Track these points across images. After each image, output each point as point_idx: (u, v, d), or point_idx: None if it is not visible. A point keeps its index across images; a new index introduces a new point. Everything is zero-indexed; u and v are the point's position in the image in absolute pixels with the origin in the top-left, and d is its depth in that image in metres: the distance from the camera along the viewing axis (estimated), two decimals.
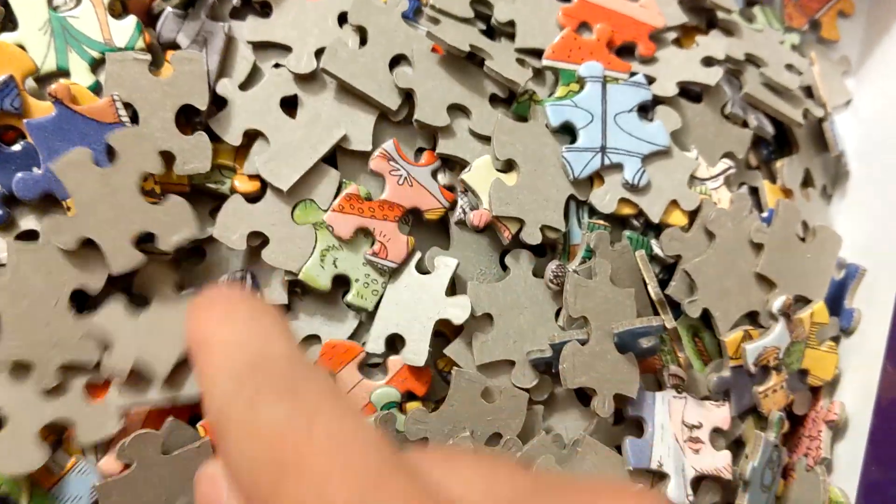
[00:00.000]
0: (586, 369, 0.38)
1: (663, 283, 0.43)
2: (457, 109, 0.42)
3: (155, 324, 0.36)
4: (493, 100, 0.43)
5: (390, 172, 0.40)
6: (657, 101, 0.45)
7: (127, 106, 0.37)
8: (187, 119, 0.39)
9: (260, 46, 0.41)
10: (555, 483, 0.21)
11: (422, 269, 0.40)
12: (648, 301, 0.42)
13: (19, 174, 0.35)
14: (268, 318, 0.25)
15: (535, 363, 0.40)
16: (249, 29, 0.41)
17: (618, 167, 0.43)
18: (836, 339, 0.47)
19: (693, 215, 0.44)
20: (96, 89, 0.38)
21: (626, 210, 0.43)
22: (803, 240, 0.46)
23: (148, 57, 0.38)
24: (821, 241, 0.47)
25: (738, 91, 0.48)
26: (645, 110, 0.45)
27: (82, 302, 0.36)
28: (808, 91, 0.52)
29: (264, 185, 0.40)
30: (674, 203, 0.44)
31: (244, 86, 0.40)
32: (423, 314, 0.39)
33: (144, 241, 0.36)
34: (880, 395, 0.43)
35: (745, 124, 0.48)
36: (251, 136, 0.40)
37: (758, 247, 0.44)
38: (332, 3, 0.42)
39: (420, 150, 0.42)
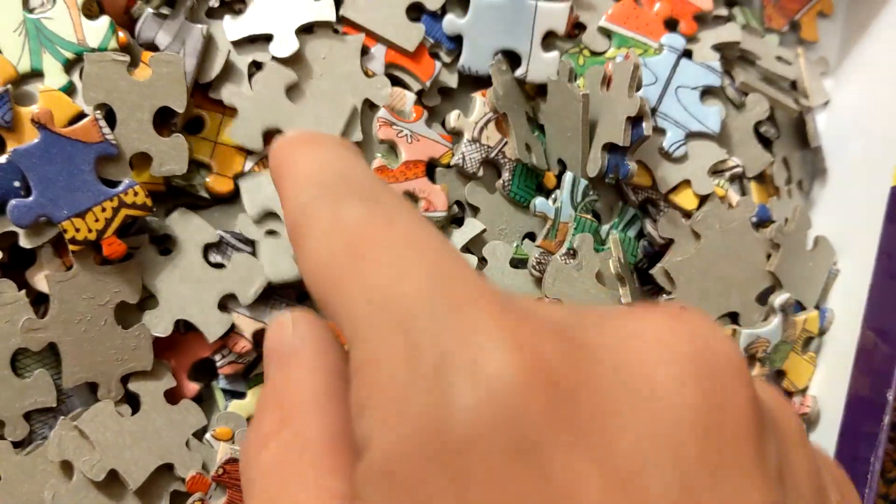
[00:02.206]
0: None
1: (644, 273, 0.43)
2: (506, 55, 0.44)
3: (140, 430, 0.38)
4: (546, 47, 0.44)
5: (398, 136, 0.42)
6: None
7: (103, 106, 0.37)
8: (163, 120, 0.39)
9: (238, 43, 0.41)
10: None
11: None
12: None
13: (13, 202, 0.36)
14: (351, 150, 0.24)
15: None
16: (228, 29, 0.41)
17: (659, 132, 0.44)
18: (816, 351, 0.47)
19: (701, 206, 0.45)
20: (69, 89, 0.38)
21: (640, 179, 0.44)
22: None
23: (126, 58, 0.38)
24: (821, 252, 0.48)
25: (733, 80, 0.48)
26: (708, 94, 0.46)
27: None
28: (791, 85, 0.52)
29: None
30: (686, 184, 0.44)
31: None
32: None
33: None
34: (851, 390, 0.44)
35: (764, 141, 0.48)
36: (270, 137, 0.40)
37: (773, 247, 0.45)
38: None
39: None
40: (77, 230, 0.36)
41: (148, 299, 0.39)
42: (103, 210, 0.36)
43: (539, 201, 0.42)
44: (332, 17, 0.42)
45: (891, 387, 0.40)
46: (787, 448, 0.19)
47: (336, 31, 0.43)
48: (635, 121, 0.40)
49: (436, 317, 0.17)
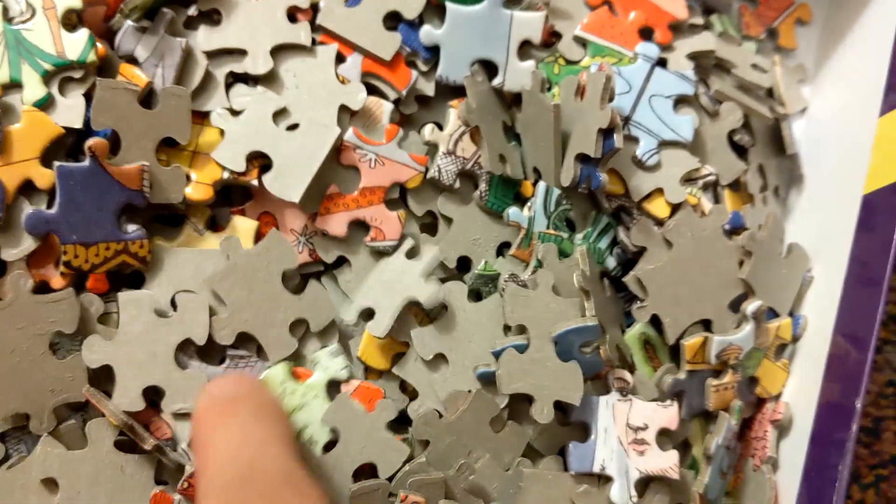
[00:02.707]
0: (523, 376, 0.39)
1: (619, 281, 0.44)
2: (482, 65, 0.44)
3: (90, 469, 0.37)
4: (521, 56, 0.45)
5: (360, 160, 0.42)
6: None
7: (111, 133, 0.38)
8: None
9: (215, 54, 0.42)
10: None
11: (411, 257, 0.42)
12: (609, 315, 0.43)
13: (31, 209, 0.37)
14: (266, 422, 0.27)
15: (483, 378, 0.41)
16: (203, 38, 0.41)
17: (633, 140, 0.45)
18: (789, 357, 0.48)
19: (674, 214, 0.45)
20: (47, 102, 0.38)
21: (612, 188, 0.44)
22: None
23: (138, 87, 0.39)
24: (794, 259, 0.49)
25: (708, 88, 0.49)
26: (682, 103, 0.47)
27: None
28: (768, 92, 0.53)
29: (221, 191, 0.41)
30: (659, 192, 0.45)
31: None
32: (397, 293, 0.41)
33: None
34: (822, 397, 0.44)
35: (739, 149, 0.48)
36: (252, 160, 0.41)
37: (746, 254, 0.46)
38: (278, 1, 0.43)
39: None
40: (76, 256, 0.37)
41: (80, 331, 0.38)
42: (107, 248, 0.38)
43: (512, 211, 0.43)
44: (307, 41, 0.42)
45: (859, 394, 0.41)
46: None
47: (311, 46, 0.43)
48: (607, 132, 0.40)
49: None
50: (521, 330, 0.40)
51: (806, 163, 0.53)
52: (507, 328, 0.41)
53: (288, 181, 0.41)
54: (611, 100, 0.41)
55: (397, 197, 0.43)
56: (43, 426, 0.37)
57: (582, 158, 0.42)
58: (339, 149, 0.42)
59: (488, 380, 0.41)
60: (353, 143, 0.42)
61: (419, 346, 0.41)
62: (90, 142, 0.37)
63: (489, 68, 0.44)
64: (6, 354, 0.37)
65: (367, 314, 0.41)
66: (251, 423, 0.27)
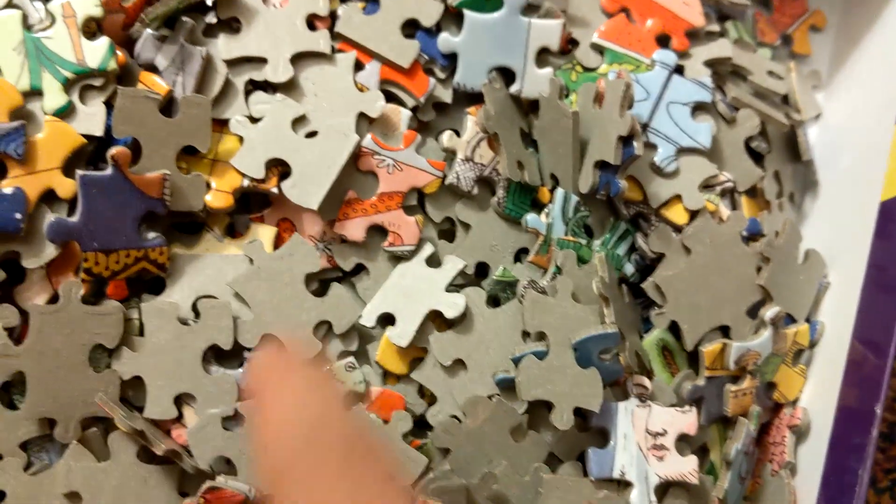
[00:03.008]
0: (543, 382, 0.39)
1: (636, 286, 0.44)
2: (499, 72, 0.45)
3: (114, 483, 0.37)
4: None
5: (378, 165, 0.42)
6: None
7: (132, 140, 0.39)
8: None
9: (235, 62, 0.42)
10: None
11: (431, 264, 0.42)
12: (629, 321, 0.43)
13: (53, 217, 0.37)
14: (323, 388, 0.27)
15: (502, 384, 0.41)
16: (223, 47, 0.42)
17: (651, 147, 0.45)
18: (806, 363, 0.48)
19: (692, 220, 0.45)
20: (67, 110, 0.38)
21: (630, 194, 0.44)
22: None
23: (159, 96, 0.39)
24: (811, 264, 0.49)
25: (725, 96, 0.49)
26: (700, 110, 0.47)
27: None
28: (783, 99, 0.53)
29: (240, 199, 0.41)
30: (678, 199, 0.45)
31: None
32: (419, 302, 0.41)
33: None
34: (840, 402, 0.44)
35: (755, 155, 0.48)
36: (272, 167, 0.41)
37: (764, 260, 0.46)
38: (298, 9, 0.43)
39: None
40: (97, 264, 0.37)
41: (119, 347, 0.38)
42: (127, 255, 0.38)
43: (531, 217, 0.43)
44: (327, 49, 0.43)
45: (879, 399, 0.41)
46: None
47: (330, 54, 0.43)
48: (626, 139, 0.41)
49: None
50: (541, 336, 0.40)
51: (821, 169, 0.53)
52: (525, 334, 0.41)
53: (307, 188, 0.41)
54: (630, 107, 0.41)
55: (415, 203, 0.43)
56: (69, 435, 0.37)
57: (601, 165, 0.42)
58: (357, 155, 0.42)
59: (507, 386, 0.41)
60: (371, 149, 0.42)
61: (438, 352, 0.41)
62: (113, 151, 0.37)
63: (507, 75, 0.44)
64: (46, 357, 0.37)
65: (386, 319, 0.41)
66: (310, 385, 0.27)
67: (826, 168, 0.53)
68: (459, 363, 0.41)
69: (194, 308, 0.39)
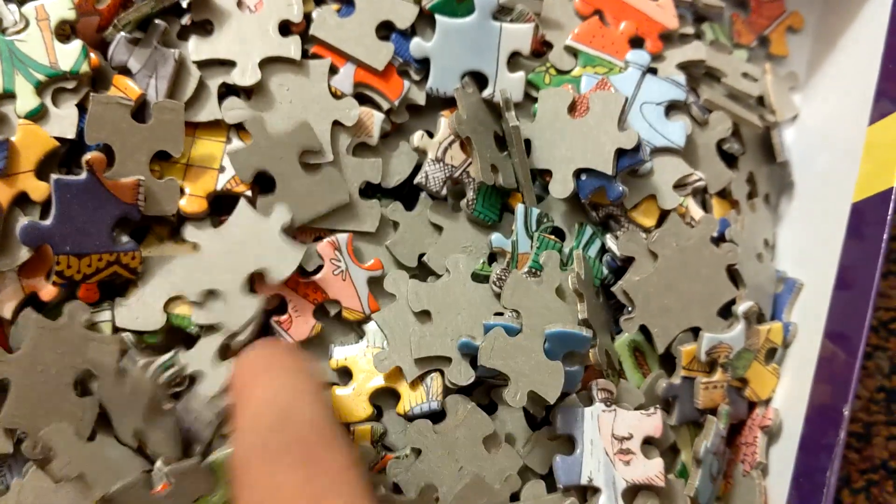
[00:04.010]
0: (505, 356, 0.39)
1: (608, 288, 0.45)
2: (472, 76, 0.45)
3: (97, 454, 0.37)
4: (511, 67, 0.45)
5: (331, 260, 0.42)
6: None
7: (104, 146, 0.39)
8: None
9: (205, 64, 0.42)
10: None
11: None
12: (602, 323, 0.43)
13: (26, 221, 0.38)
14: (300, 377, 0.29)
15: (463, 349, 0.41)
16: (193, 48, 0.42)
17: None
18: (779, 362, 0.48)
19: (661, 222, 0.45)
20: (40, 113, 0.39)
21: (598, 197, 0.44)
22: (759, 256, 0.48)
23: (131, 102, 0.39)
24: (768, 261, 0.49)
25: (698, 97, 0.49)
26: (674, 109, 0.47)
27: None
28: (759, 100, 0.53)
29: (214, 203, 0.41)
30: (647, 200, 0.45)
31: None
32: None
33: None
34: (811, 402, 0.45)
35: (728, 157, 0.49)
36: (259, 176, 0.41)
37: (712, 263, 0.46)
38: (271, 14, 0.43)
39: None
40: (69, 267, 0.38)
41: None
42: (100, 259, 0.38)
43: (495, 237, 0.43)
44: (297, 55, 0.43)
45: (847, 401, 0.41)
46: None
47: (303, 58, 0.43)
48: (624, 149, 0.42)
49: None
50: (516, 315, 0.41)
51: (797, 169, 0.54)
52: (498, 315, 0.41)
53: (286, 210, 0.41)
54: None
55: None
56: (35, 451, 0.37)
57: (586, 172, 0.42)
58: (320, 236, 0.42)
59: (467, 351, 0.41)
60: (338, 245, 0.42)
61: (411, 296, 0.41)
62: (88, 156, 0.38)
63: (479, 79, 0.45)
64: (34, 370, 0.37)
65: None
66: (286, 377, 0.29)
67: (802, 169, 0.53)
68: (425, 314, 0.42)
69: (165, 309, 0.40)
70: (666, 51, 0.48)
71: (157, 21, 0.41)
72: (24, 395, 0.37)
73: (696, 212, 0.46)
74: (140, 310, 0.40)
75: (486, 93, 0.44)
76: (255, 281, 0.40)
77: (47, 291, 0.38)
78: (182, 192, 0.40)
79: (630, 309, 0.44)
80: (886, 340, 0.56)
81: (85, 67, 0.39)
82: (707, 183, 0.47)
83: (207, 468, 0.36)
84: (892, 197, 0.43)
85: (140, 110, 0.40)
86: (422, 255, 0.43)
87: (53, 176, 0.37)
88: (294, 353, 0.32)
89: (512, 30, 0.44)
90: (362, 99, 0.44)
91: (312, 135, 0.42)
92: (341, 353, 0.42)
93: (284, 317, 0.41)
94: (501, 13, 0.45)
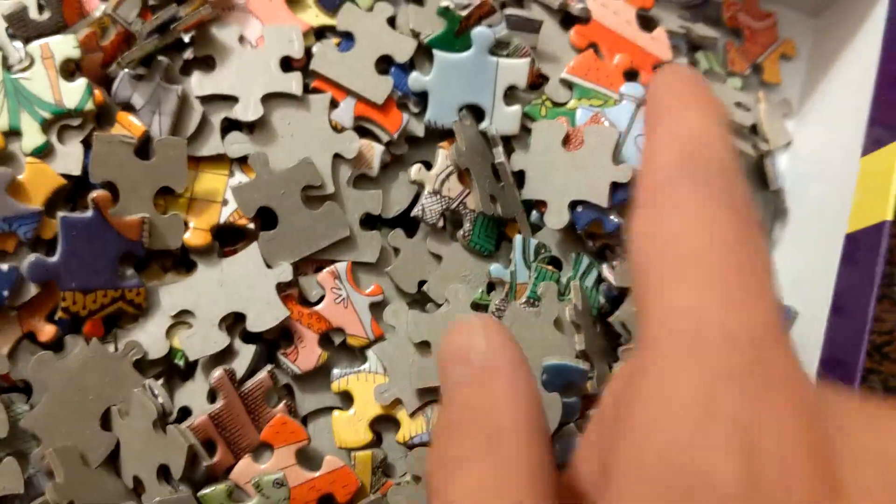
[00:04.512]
0: None
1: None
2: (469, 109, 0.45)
3: (93, 484, 0.39)
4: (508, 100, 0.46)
5: (332, 289, 0.43)
6: None
7: (109, 184, 0.40)
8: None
9: (208, 99, 0.43)
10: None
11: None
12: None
13: (33, 257, 0.38)
14: (724, 118, 0.24)
15: None
16: (195, 84, 0.42)
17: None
18: None
19: None
20: (47, 149, 0.39)
21: (594, 227, 0.45)
22: None
23: (133, 140, 0.40)
24: None
25: None
26: None
27: None
28: (752, 128, 0.54)
29: (217, 235, 0.42)
30: None
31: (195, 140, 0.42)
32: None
33: None
34: None
35: None
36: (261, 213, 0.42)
37: None
38: (273, 50, 0.44)
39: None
40: (74, 303, 0.38)
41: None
42: (105, 295, 0.39)
43: (493, 268, 0.44)
44: (299, 91, 0.43)
45: None
46: None
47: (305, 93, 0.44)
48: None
49: (741, 390, 0.18)
50: None
51: (791, 196, 0.54)
52: None
53: (279, 251, 0.42)
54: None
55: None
56: (42, 462, 0.38)
57: (582, 204, 0.43)
58: (321, 265, 0.43)
59: None
60: (337, 273, 0.43)
61: (411, 328, 0.42)
62: (94, 194, 0.38)
63: (476, 112, 0.45)
64: (74, 386, 0.38)
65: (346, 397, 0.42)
66: (715, 118, 0.24)
67: (796, 196, 0.54)
68: (425, 345, 0.42)
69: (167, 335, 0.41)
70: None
71: (160, 58, 0.42)
72: (57, 406, 0.38)
73: None
74: (143, 338, 0.41)
75: (484, 125, 0.45)
76: (230, 321, 0.41)
77: (46, 332, 0.38)
78: (186, 225, 0.41)
79: (627, 339, 0.44)
80: (880, 364, 0.56)
81: (89, 105, 0.40)
82: None
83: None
84: (885, 230, 0.43)
85: (144, 146, 0.41)
86: (422, 283, 0.44)
87: (60, 214, 0.38)
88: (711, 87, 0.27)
89: (508, 64, 0.45)
90: (362, 132, 0.45)
91: (314, 171, 0.42)
92: (343, 377, 0.42)
93: (291, 349, 0.42)
94: (498, 48, 0.46)
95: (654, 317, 0.20)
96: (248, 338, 0.42)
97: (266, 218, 0.42)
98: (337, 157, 0.44)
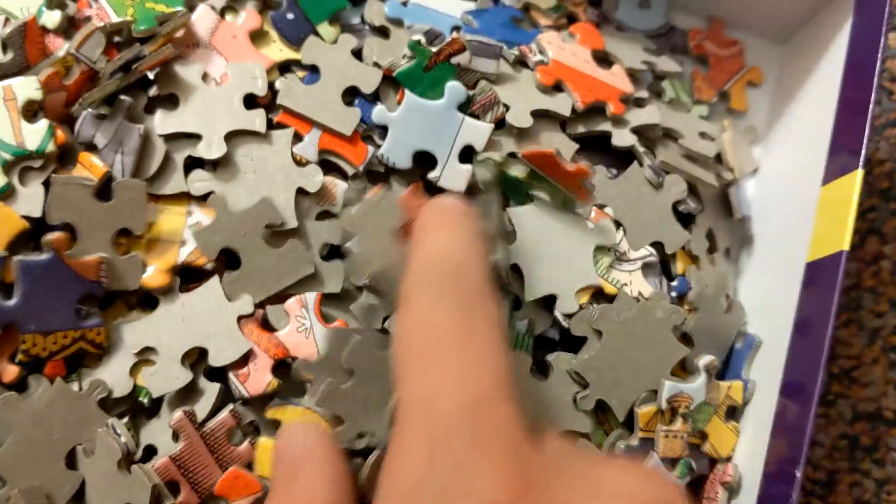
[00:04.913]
0: None
1: None
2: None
3: None
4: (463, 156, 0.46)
5: (296, 317, 0.43)
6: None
7: (67, 226, 0.40)
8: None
9: (173, 138, 0.43)
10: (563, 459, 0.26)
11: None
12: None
13: None
14: (473, 238, 0.32)
15: None
16: (159, 122, 0.43)
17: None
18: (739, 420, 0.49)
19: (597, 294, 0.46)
20: (7, 191, 0.40)
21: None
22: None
23: (93, 182, 0.40)
24: (734, 314, 0.50)
25: (654, 158, 0.50)
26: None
27: None
28: (717, 156, 0.54)
29: (183, 273, 0.42)
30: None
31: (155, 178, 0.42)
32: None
33: None
34: (768, 459, 0.46)
35: (685, 218, 0.50)
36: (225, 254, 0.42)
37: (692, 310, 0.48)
38: (236, 87, 0.44)
39: None
40: (34, 345, 0.39)
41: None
42: (65, 336, 0.39)
43: None
44: (262, 129, 0.44)
45: (799, 463, 0.42)
46: None
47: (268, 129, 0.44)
48: None
49: (459, 444, 0.24)
50: None
51: (757, 223, 0.55)
52: None
53: (245, 291, 0.42)
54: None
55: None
56: (7, 503, 0.38)
57: None
58: (285, 298, 0.43)
59: None
60: (305, 302, 0.43)
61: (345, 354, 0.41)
62: (51, 236, 0.39)
63: (428, 160, 0.45)
64: (40, 426, 0.38)
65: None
66: (462, 234, 0.32)
67: (762, 222, 0.54)
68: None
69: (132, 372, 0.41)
70: (625, 115, 0.50)
71: (122, 97, 0.42)
72: (22, 447, 0.38)
73: (645, 288, 0.47)
74: (107, 377, 0.41)
75: (431, 175, 0.45)
76: (193, 357, 0.41)
77: (8, 373, 0.39)
78: (145, 266, 0.41)
79: (584, 387, 0.44)
80: (848, 388, 0.57)
81: (51, 147, 0.40)
82: (664, 242, 0.48)
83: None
84: (843, 260, 0.44)
85: (106, 184, 0.41)
86: (386, 318, 0.44)
87: (16, 258, 0.38)
88: (469, 213, 0.35)
89: (472, 124, 0.46)
90: (327, 165, 0.45)
91: (274, 210, 0.42)
92: (279, 406, 0.42)
93: (244, 370, 0.42)
94: (467, 104, 0.46)
95: (400, 399, 0.27)
96: (213, 376, 0.42)
97: (229, 259, 0.43)
98: (300, 191, 0.44)
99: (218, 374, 0.42)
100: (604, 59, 0.52)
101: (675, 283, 0.48)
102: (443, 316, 0.28)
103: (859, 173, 0.45)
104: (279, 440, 0.32)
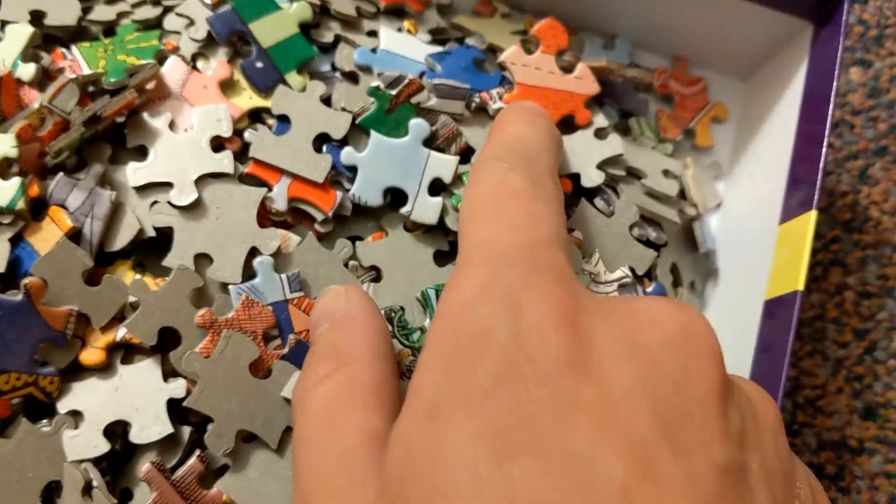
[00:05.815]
0: None
1: None
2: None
3: None
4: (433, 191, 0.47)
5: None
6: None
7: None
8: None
9: (142, 188, 0.44)
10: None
11: None
12: None
13: None
14: (550, 132, 0.40)
15: None
16: (131, 175, 0.44)
17: None
18: None
19: None
20: None
21: None
22: None
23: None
24: None
25: (617, 194, 0.51)
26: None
27: None
28: (681, 192, 0.55)
29: (123, 346, 0.42)
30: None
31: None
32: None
33: None
34: None
35: (648, 242, 0.51)
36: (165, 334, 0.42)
37: None
38: (202, 129, 0.45)
39: None
40: None
41: None
42: (18, 378, 0.39)
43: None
44: (230, 170, 0.45)
45: None
46: (759, 428, 0.26)
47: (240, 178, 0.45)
48: None
49: (515, 272, 0.26)
50: None
51: (721, 257, 0.56)
52: None
53: (193, 364, 0.41)
54: None
55: None
56: None
57: None
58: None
59: None
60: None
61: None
62: (28, 281, 0.40)
63: (400, 196, 0.47)
64: (12, 468, 0.38)
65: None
66: (536, 129, 0.38)
67: (726, 257, 0.56)
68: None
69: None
70: (585, 149, 0.50)
71: (95, 164, 0.43)
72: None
73: None
74: (86, 437, 0.41)
75: (404, 210, 0.46)
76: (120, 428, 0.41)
77: None
78: (83, 343, 0.41)
79: None
80: (813, 417, 0.58)
81: (21, 204, 0.41)
82: (634, 266, 0.49)
83: None
84: (798, 300, 0.45)
85: (74, 238, 0.42)
86: None
87: None
88: (545, 114, 0.41)
89: (439, 158, 0.47)
90: (296, 211, 0.46)
91: (194, 275, 0.42)
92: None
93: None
94: (432, 139, 0.47)
95: (462, 245, 0.30)
96: (184, 419, 0.43)
97: (173, 335, 0.42)
98: (254, 251, 0.44)
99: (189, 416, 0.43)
100: (567, 63, 0.52)
101: (650, 289, 0.49)
102: (514, 179, 0.32)
103: (813, 214, 0.46)
104: (320, 301, 0.35)
